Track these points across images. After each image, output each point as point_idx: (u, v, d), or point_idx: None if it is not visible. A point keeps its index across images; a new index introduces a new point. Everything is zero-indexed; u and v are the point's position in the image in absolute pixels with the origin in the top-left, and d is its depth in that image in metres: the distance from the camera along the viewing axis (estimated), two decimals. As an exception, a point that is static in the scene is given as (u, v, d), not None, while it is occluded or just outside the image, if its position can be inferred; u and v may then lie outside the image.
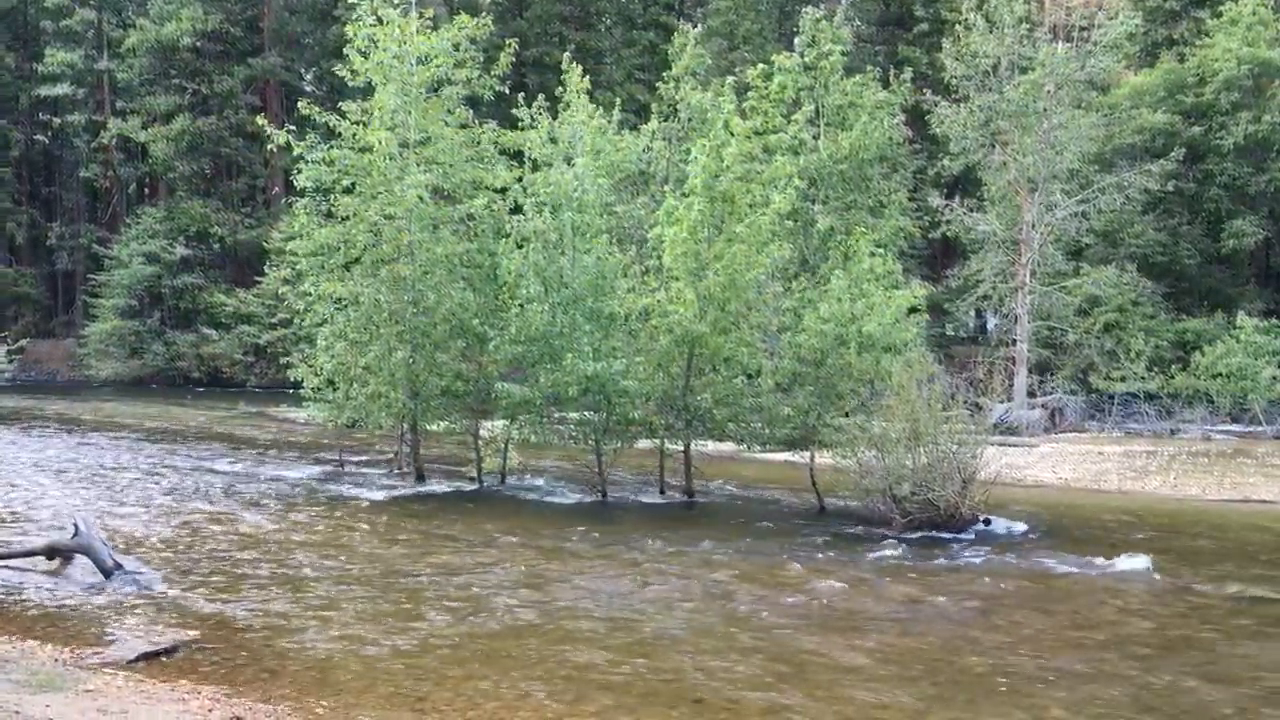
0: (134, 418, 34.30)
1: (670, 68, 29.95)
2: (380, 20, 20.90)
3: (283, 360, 31.28)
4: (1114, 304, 33.72)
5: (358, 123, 20.97)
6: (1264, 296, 37.33)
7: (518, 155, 22.19)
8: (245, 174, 57.12)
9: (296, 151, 21.11)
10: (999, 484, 18.11)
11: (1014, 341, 32.58)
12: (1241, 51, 33.84)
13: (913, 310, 19.89)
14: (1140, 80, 36.07)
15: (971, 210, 34.36)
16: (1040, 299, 32.51)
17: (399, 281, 20.59)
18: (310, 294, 21.18)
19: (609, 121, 23.00)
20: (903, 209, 30.38)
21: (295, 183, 21.43)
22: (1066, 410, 31.77)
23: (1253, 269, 40.18)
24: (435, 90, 21.55)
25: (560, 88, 22.42)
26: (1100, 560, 14.77)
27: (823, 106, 29.34)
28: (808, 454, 19.66)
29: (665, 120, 29.26)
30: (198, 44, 53.51)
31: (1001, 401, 29.39)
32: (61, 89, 54.85)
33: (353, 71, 21.13)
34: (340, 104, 21.33)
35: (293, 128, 21.79)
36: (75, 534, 13.46)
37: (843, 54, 29.10)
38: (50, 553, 13.60)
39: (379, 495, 20.07)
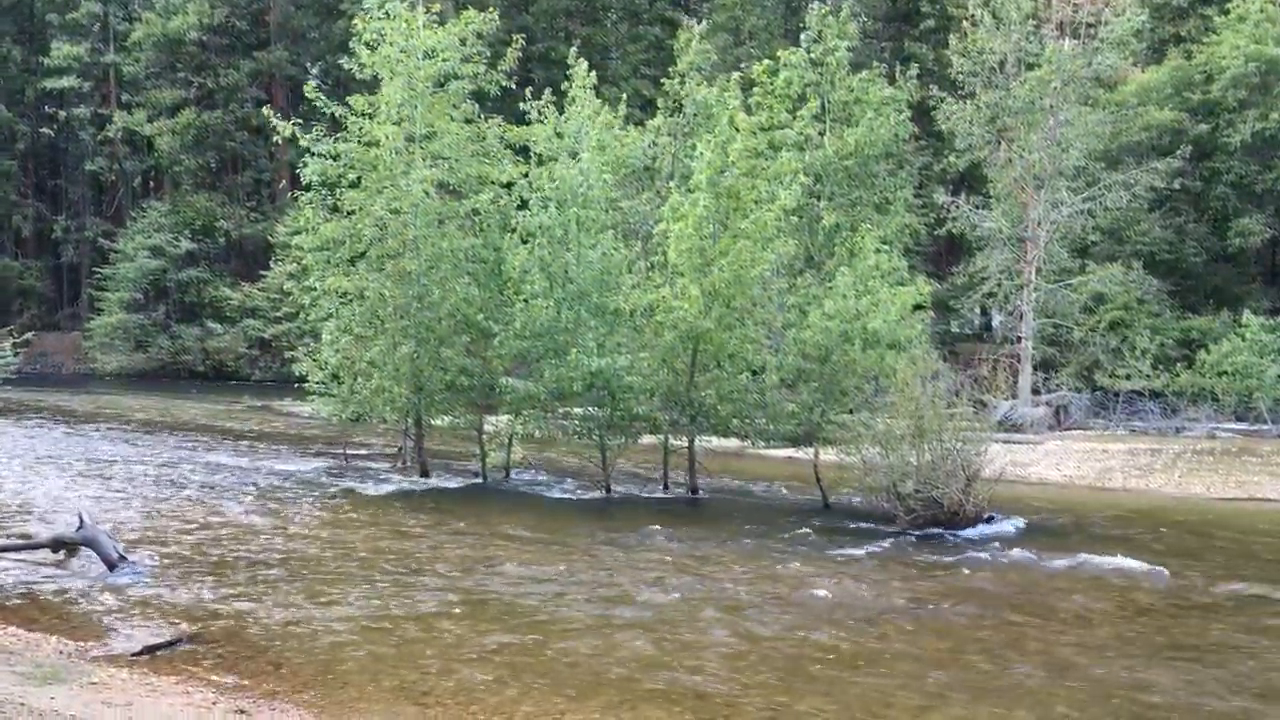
0: (139, 411, 34.35)
1: (676, 63, 29.94)
2: (388, 14, 20.91)
3: (287, 354, 31.34)
4: (1119, 302, 33.65)
5: (364, 114, 20.98)
6: (1270, 295, 37.24)
7: (523, 150, 22.20)
8: (250, 168, 57.14)
9: (303, 144, 21.13)
10: (1003, 482, 18.10)
11: (1019, 339, 32.54)
12: (1249, 49, 33.73)
13: (917, 307, 19.89)
14: (1147, 77, 35.97)
15: (977, 207, 34.30)
16: (1045, 296, 32.46)
17: (404, 276, 20.60)
18: (315, 289, 21.20)
19: (614, 117, 22.99)
20: (908, 205, 30.40)
21: (301, 177, 21.45)
22: (1071, 408, 31.72)
23: (1259, 267, 40.09)
24: (441, 85, 21.55)
25: (566, 83, 22.41)
26: (1104, 558, 14.74)
27: (828, 102, 29.33)
28: (812, 451, 19.66)
29: (670, 116, 29.26)
30: (203, 38, 53.56)
31: (1006, 399, 29.36)
32: (67, 82, 54.85)
33: (360, 65, 21.14)
34: (346, 99, 21.33)
35: (300, 121, 21.79)
36: (80, 527, 13.49)
37: (849, 50, 29.06)
38: (55, 545, 13.63)
39: (383, 490, 20.09)
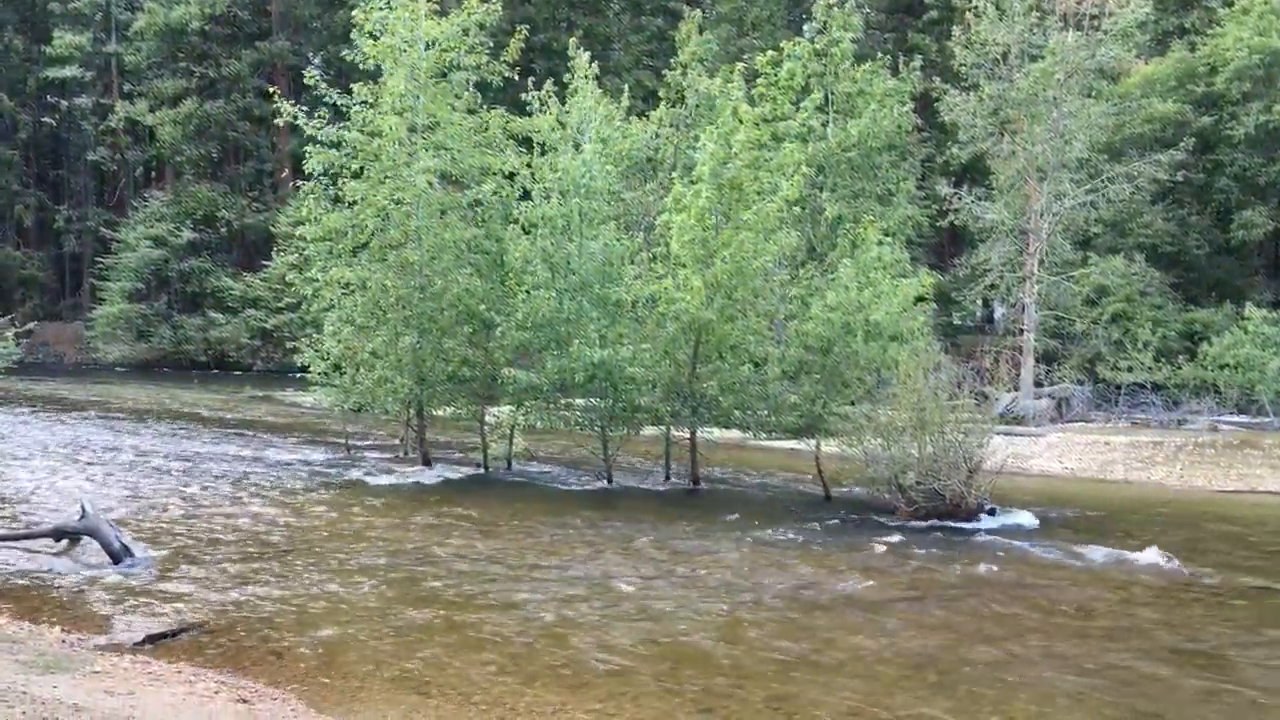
0: (140, 401, 34.38)
1: (678, 54, 29.87)
2: (390, 5, 20.87)
3: (289, 345, 31.34)
4: (1122, 294, 33.61)
5: (366, 104, 20.94)
6: (1272, 287, 37.17)
7: (526, 141, 22.18)
8: (253, 158, 57.13)
9: (307, 133, 21.09)
10: (1005, 474, 18.10)
11: (1021, 331, 32.51)
12: (1253, 41, 33.63)
13: (920, 299, 19.86)
14: (1151, 69, 35.87)
15: (980, 199, 34.23)
16: (1048, 288, 32.42)
17: (406, 267, 20.61)
18: (318, 279, 21.21)
19: (616, 108, 22.95)
20: (911, 197, 30.32)
21: (305, 167, 21.43)
22: (1073, 400, 31.70)
23: (1262, 260, 40.03)
24: (444, 75, 21.52)
25: (568, 74, 22.38)
26: (1106, 550, 14.75)
27: (832, 94, 29.26)
28: (813, 442, 19.65)
29: (673, 107, 29.21)
30: (205, 27, 53.49)
31: (1008, 391, 29.36)
32: (69, 72, 54.85)
33: (363, 56, 21.11)
34: (348, 88, 21.30)
35: (305, 109, 21.78)
36: (82, 516, 13.51)
37: (853, 41, 28.99)
38: (58, 535, 13.65)
39: (385, 480, 20.11)
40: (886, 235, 21.81)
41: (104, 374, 47.34)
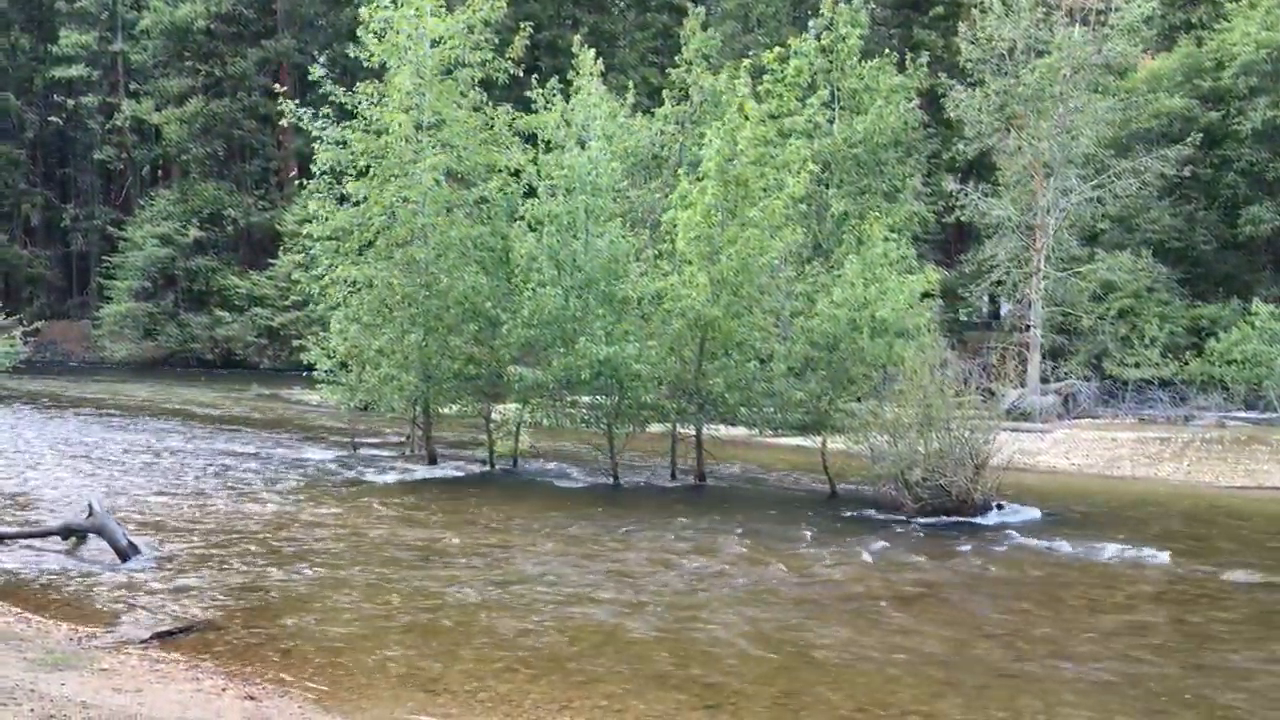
0: (148, 399, 34.45)
1: (683, 51, 29.83)
2: (395, 3, 20.87)
3: (295, 343, 31.36)
4: (1129, 290, 33.52)
5: (372, 102, 20.94)
6: (1280, 283, 37.08)
7: (531, 138, 22.17)
8: (259, 156, 57.14)
9: (314, 132, 21.08)
10: (1011, 470, 18.08)
11: (1027, 327, 32.43)
12: (1260, 35, 33.50)
13: (926, 295, 19.84)
14: (1157, 64, 35.76)
15: (986, 195, 34.13)
16: (1054, 284, 32.33)
17: (412, 265, 20.62)
18: (324, 278, 21.23)
19: (622, 105, 22.94)
20: (917, 193, 30.28)
21: (312, 169, 21.43)
22: (1080, 396, 31.63)
23: (1269, 255, 39.85)
24: (449, 72, 21.52)
25: (572, 71, 22.36)
26: (1113, 546, 14.73)
27: (838, 90, 29.21)
28: (819, 439, 19.63)
29: (678, 104, 29.17)
30: (211, 26, 53.50)
31: (1014, 387, 29.28)
32: (75, 71, 54.88)
33: (369, 52, 21.11)
34: (355, 86, 21.31)
35: (310, 109, 21.79)
36: (90, 514, 13.53)
37: (860, 37, 28.95)
38: (65, 532, 13.68)
39: (391, 478, 20.13)
40: (892, 231, 21.77)
41: (111, 372, 47.43)
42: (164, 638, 9.87)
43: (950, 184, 34.56)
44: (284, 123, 22.87)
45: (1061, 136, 31.10)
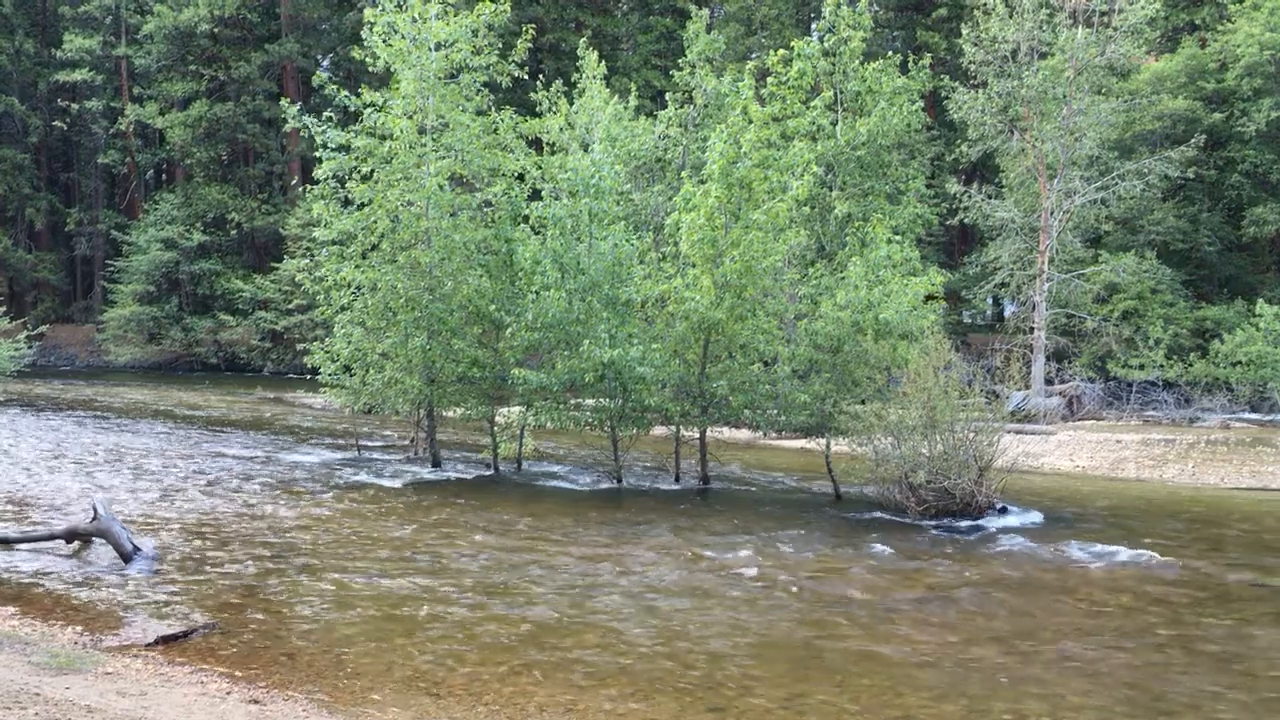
0: (151, 402, 34.49)
1: (686, 53, 29.86)
2: (400, 6, 20.90)
3: (299, 346, 31.42)
4: (1133, 291, 33.54)
5: (376, 108, 20.95)
6: (1284, 284, 37.05)
7: (535, 142, 22.18)
8: (263, 160, 57.30)
9: (318, 140, 21.09)
10: (1016, 472, 18.06)
11: (1032, 329, 32.43)
12: (1264, 36, 33.52)
13: (930, 297, 19.85)
14: (1161, 66, 35.77)
15: (990, 197, 34.17)
16: (1058, 286, 32.35)
17: (417, 268, 20.64)
18: (328, 281, 21.26)
19: (625, 108, 22.95)
20: (920, 195, 30.27)
21: (316, 173, 21.45)
22: (1084, 398, 31.62)
23: (1273, 256, 39.87)
24: (453, 77, 21.54)
25: (576, 73, 22.37)
26: (1117, 548, 14.71)
27: (841, 92, 29.23)
28: (824, 441, 19.64)
29: (681, 107, 29.20)
30: (215, 30, 53.66)
31: (1019, 389, 29.28)
32: (80, 75, 55.07)
33: (373, 55, 21.13)
34: (358, 90, 21.34)
35: (313, 115, 21.81)
36: (94, 518, 13.54)
37: (863, 40, 28.97)
38: (70, 536, 13.69)
39: (396, 481, 20.13)
40: (896, 233, 21.80)
41: (115, 376, 47.51)
42: (168, 641, 9.88)
43: (954, 186, 34.59)
44: (287, 127, 22.90)
45: (1065, 138, 31.11)
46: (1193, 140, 32.48)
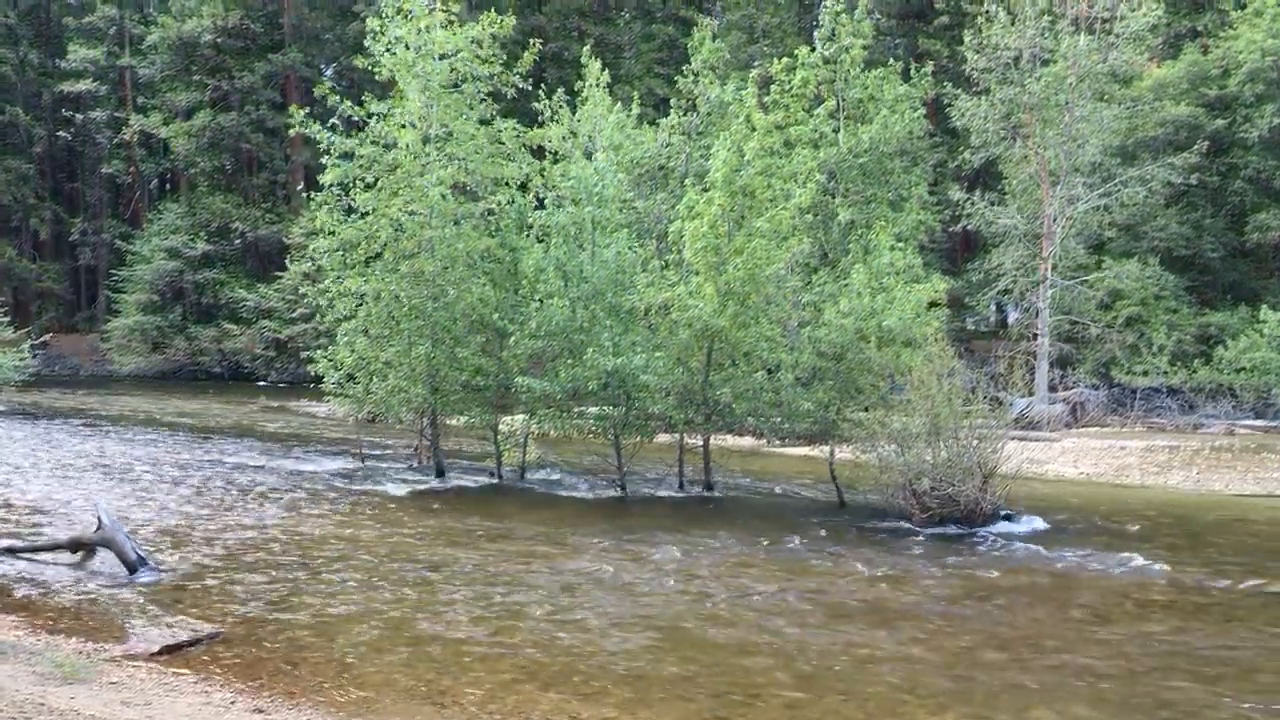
0: (155, 412, 34.52)
1: (689, 62, 29.91)
2: (404, 15, 20.94)
3: (303, 355, 31.46)
4: (1136, 297, 33.50)
5: (380, 117, 20.99)
6: (1288, 290, 36.99)
7: (538, 150, 22.20)
8: (266, 169, 57.44)
9: (322, 147, 21.14)
10: (1020, 478, 18.03)
11: (1035, 335, 32.40)
12: (1266, 43, 33.51)
13: (933, 304, 19.83)
14: (1163, 72, 35.77)
15: (992, 203, 34.17)
16: (1061, 292, 32.34)
17: (420, 277, 20.66)
18: (331, 290, 21.30)
19: (628, 116, 22.99)
20: (923, 202, 30.27)
21: (320, 181, 21.50)
22: (1088, 404, 31.58)
23: (1277, 262, 39.76)
24: (457, 86, 21.58)
25: (579, 81, 22.40)
26: (1122, 555, 14.69)
27: (843, 100, 29.26)
28: (827, 448, 19.63)
29: (684, 114, 29.24)
30: (219, 40, 53.84)
31: (1022, 396, 29.23)
32: (84, 85, 55.29)
33: (376, 64, 21.19)
34: (361, 99, 21.38)
35: (319, 125, 21.87)
36: (99, 527, 13.56)
37: (864, 48, 29.01)
38: (74, 546, 13.71)
39: (399, 490, 20.14)
40: (899, 240, 21.80)
41: (119, 385, 47.56)
42: (173, 651, 9.88)
43: (957, 193, 34.60)
44: (292, 133, 22.97)
45: (1068, 144, 31.12)
46: (1195, 146, 32.46)
